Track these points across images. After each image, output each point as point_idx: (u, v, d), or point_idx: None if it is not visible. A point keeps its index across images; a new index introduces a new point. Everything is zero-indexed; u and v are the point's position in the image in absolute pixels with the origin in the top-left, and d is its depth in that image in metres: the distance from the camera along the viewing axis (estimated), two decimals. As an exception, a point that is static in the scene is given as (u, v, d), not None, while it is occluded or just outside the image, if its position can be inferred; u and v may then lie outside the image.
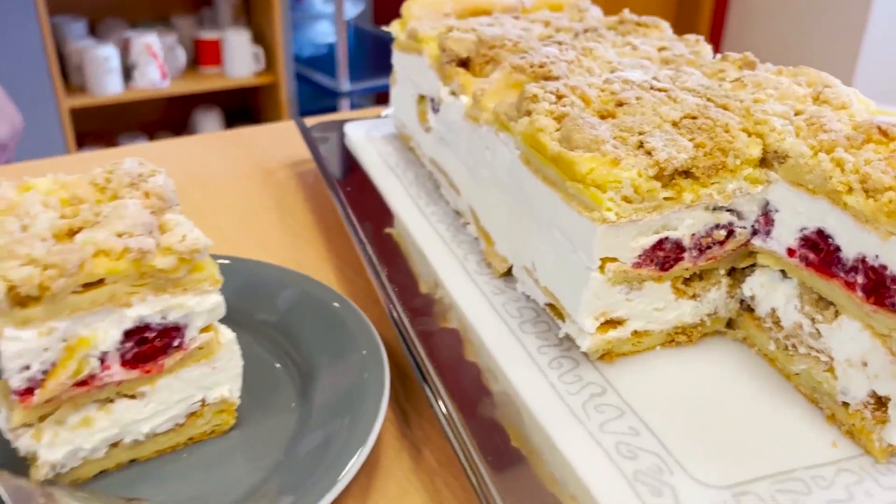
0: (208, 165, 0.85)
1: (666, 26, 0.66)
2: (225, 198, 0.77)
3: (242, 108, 2.37)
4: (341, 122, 0.82)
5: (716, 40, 2.63)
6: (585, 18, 0.69)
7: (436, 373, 0.45)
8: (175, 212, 0.43)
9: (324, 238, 0.69)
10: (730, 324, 0.49)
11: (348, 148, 0.78)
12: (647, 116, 0.45)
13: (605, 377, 0.44)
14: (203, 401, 0.43)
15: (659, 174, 0.41)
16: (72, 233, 0.39)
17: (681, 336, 0.47)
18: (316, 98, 2.39)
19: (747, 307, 0.48)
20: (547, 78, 0.53)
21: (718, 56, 0.58)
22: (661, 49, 0.60)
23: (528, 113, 0.48)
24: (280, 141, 0.91)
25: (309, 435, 0.43)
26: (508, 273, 0.54)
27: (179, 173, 0.81)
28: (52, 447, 0.39)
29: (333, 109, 2.21)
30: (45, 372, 0.37)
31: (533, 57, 0.54)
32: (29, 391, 0.37)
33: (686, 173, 0.42)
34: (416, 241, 0.59)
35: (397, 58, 0.73)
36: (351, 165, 0.75)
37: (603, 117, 0.47)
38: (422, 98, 0.70)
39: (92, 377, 0.38)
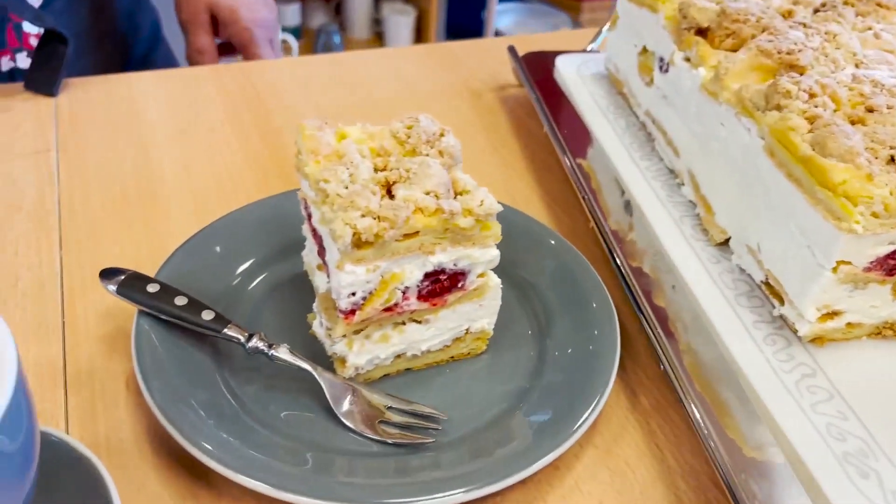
0: (416, 80, 0.91)
1: (908, 7, 0.66)
2: (434, 115, 0.84)
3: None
4: (551, 54, 0.86)
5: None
6: (822, -13, 0.69)
7: (660, 329, 0.52)
8: (459, 169, 0.51)
9: (532, 171, 0.76)
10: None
11: (558, 82, 0.82)
12: (899, 129, 0.48)
13: (816, 359, 0.50)
14: (468, 330, 0.52)
15: (908, 193, 0.45)
16: (387, 184, 0.47)
17: (888, 330, 0.52)
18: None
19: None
20: (793, 66, 0.56)
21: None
22: (905, 38, 0.61)
23: (779, 107, 0.52)
24: (484, 60, 0.96)
25: (548, 375, 0.51)
26: (724, 243, 0.59)
27: (383, 85, 0.88)
28: (359, 354, 0.49)
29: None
30: (363, 298, 0.46)
31: (780, 42, 0.57)
32: (352, 312, 0.46)
33: (932, 193, 0.46)
34: (632, 195, 0.65)
35: (623, 6, 0.76)
36: (559, 100, 0.79)
37: (853, 122, 0.50)
38: (645, 50, 0.73)
39: (395, 305, 0.47)
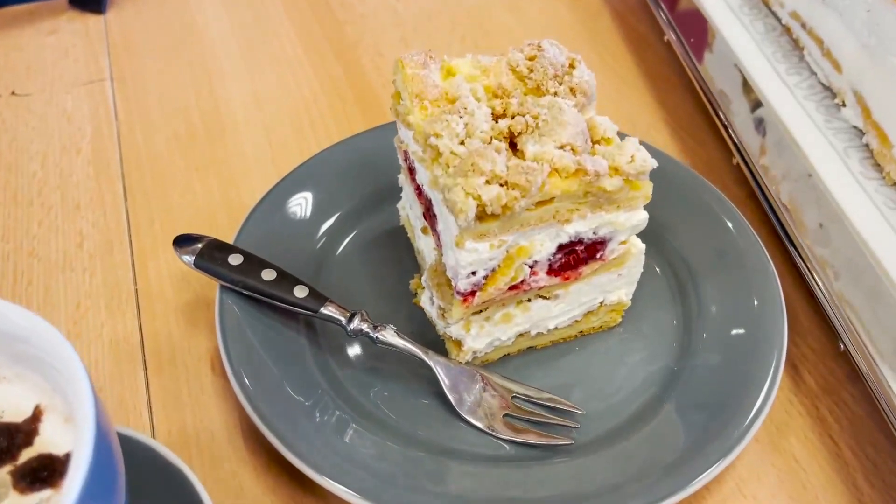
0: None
1: None
2: (529, 20, 0.73)
3: None
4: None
5: None
6: None
7: (836, 299, 0.43)
8: (593, 107, 0.41)
9: (651, 88, 0.65)
10: None
11: (673, -25, 0.70)
12: None
13: None
14: (602, 302, 0.44)
15: None
16: (511, 136, 0.38)
17: None
18: None
19: None
20: None
21: None
22: None
23: None
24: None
25: (699, 352, 0.43)
26: (904, 184, 0.49)
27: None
28: (477, 338, 0.41)
29: None
30: (485, 277, 0.38)
31: None
32: (472, 293, 0.39)
33: None
34: (783, 121, 0.54)
35: None
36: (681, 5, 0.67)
37: None
38: (794, -64, 0.60)
39: (522, 282, 0.40)
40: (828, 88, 0.56)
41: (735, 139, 0.54)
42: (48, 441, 0.29)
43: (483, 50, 0.68)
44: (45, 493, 0.28)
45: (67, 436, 0.29)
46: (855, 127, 0.53)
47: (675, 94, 0.64)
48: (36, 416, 0.30)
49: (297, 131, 0.60)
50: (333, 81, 0.65)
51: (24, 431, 0.29)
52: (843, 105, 0.54)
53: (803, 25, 0.59)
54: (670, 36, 0.63)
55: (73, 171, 0.57)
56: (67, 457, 0.28)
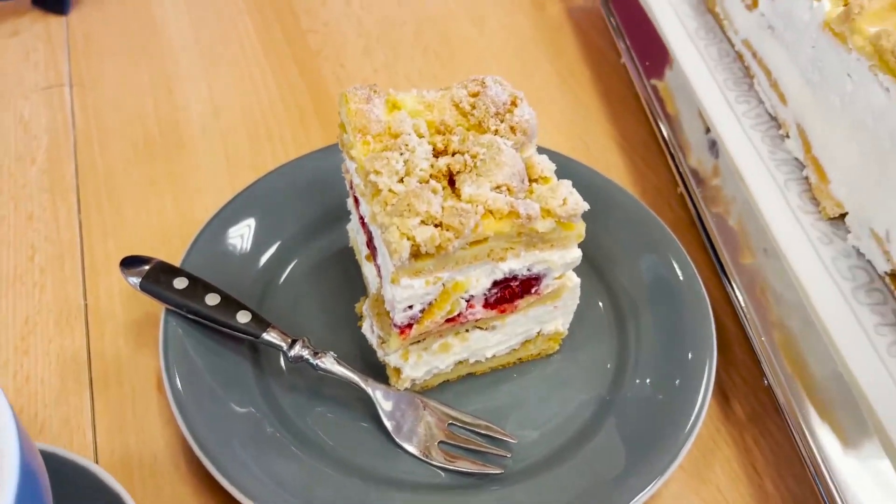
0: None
1: None
2: (492, 34, 0.73)
3: None
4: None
5: None
6: None
7: (762, 329, 0.45)
8: (534, 146, 0.42)
9: (607, 108, 0.66)
10: None
11: (636, -4, 0.71)
12: None
13: (950, 378, 0.42)
14: (539, 332, 0.45)
15: None
16: (450, 174, 0.39)
17: None
18: None
19: None
20: (951, 6, 0.45)
21: None
22: None
23: (935, 69, 0.42)
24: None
25: (632, 382, 0.44)
26: (839, 218, 0.51)
27: (430, 3, 0.77)
28: (416, 366, 0.43)
29: None
30: (422, 311, 0.39)
31: (937, -27, 0.46)
32: (408, 326, 0.40)
33: None
34: (726, 148, 0.56)
35: None
36: (638, 19, 0.68)
37: None
38: (748, -36, 0.61)
39: (458, 315, 0.41)
40: (774, 119, 0.58)
41: (680, 168, 0.55)
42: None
43: (445, 62, 0.69)
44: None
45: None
46: (797, 159, 0.55)
47: (631, 117, 0.65)
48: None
49: (254, 142, 0.60)
50: (293, 91, 0.65)
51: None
52: (787, 136, 0.56)
53: (754, 54, 0.60)
54: (626, 58, 0.64)
55: (28, 182, 0.57)
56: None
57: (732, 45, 0.64)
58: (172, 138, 0.61)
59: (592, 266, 0.49)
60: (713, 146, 0.57)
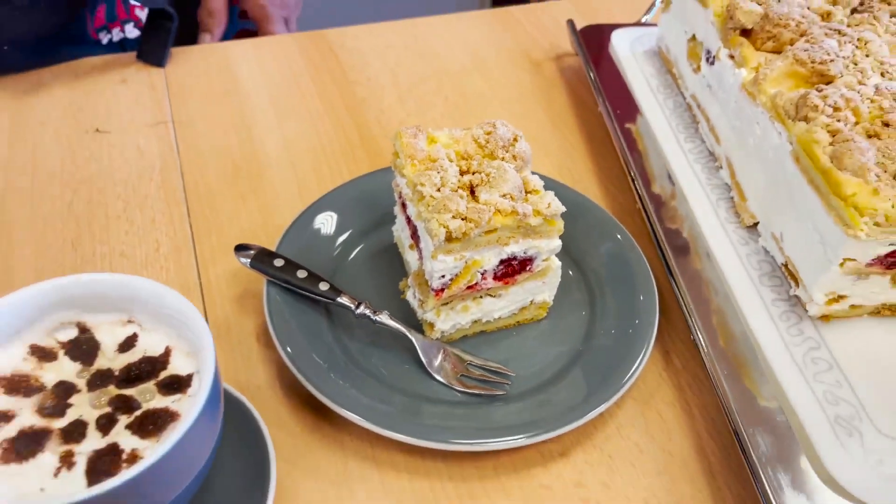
0: (481, 47, 0.99)
1: (941, 7, 0.72)
2: (498, 86, 0.92)
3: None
4: (607, 27, 0.93)
5: None
6: (864, -17, 0.75)
7: (693, 305, 0.62)
8: (529, 169, 0.61)
9: (588, 147, 0.85)
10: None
11: (612, 56, 0.90)
12: (908, 146, 0.56)
13: (822, 335, 0.60)
14: (532, 301, 0.63)
15: (907, 205, 0.54)
16: (471, 186, 0.57)
17: (886, 311, 0.62)
18: None
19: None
20: (823, 76, 0.64)
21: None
22: (932, 44, 0.67)
23: (807, 119, 0.60)
24: (543, 24, 1.03)
25: (598, 338, 0.62)
26: (753, 227, 0.69)
27: (452, 54, 0.97)
28: (444, 321, 0.60)
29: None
30: (451, 279, 0.57)
31: (815, 52, 0.64)
32: (441, 290, 0.58)
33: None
34: (676, 177, 0.74)
35: (677, -7, 0.83)
36: (614, 74, 0.87)
37: (870, 136, 0.58)
38: (694, 38, 0.80)
39: (475, 284, 0.59)
40: (711, 154, 0.76)
41: (640, 192, 0.73)
42: (176, 367, 0.47)
43: (461, 108, 0.88)
44: (177, 396, 0.46)
45: (188, 364, 0.47)
46: (726, 184, 0.73)
47: (606, 153, 0.83)
48: (167, 353, 0.48)
49: (316, 170, 0.79)
50: (344, 131, 0.84)
51: (161, 361, 0.48)
52: (721, 167, 0.74)
53: (698, 105, 0.79)
54: (602, 108, 0.83)
55: (148, 194, 0.75)
56: (189, 376, 0.47)
57: (684, 98, 0.83)
58: (253, 165, 0.79)
59: (570, 256, 0.67)
60: (670, 176, 0.76)
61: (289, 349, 0.57)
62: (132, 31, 0.96)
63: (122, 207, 0.73)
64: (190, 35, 0.99)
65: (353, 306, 0.60)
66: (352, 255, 0.68)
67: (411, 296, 0.63)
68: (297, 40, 0.98)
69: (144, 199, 0.75)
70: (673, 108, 0.82)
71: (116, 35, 0.96)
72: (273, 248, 0.64)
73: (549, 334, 0.64)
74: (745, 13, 0.70)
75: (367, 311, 0.60)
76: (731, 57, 0.72)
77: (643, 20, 0.96)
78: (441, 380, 0.59)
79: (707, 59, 0.76)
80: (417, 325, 0.63)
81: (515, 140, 0.60)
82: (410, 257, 0.64)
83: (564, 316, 0.65)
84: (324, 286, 0.61)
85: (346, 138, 0.83)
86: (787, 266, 0.63)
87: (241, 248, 0.63)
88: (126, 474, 0.39)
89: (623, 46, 0.90)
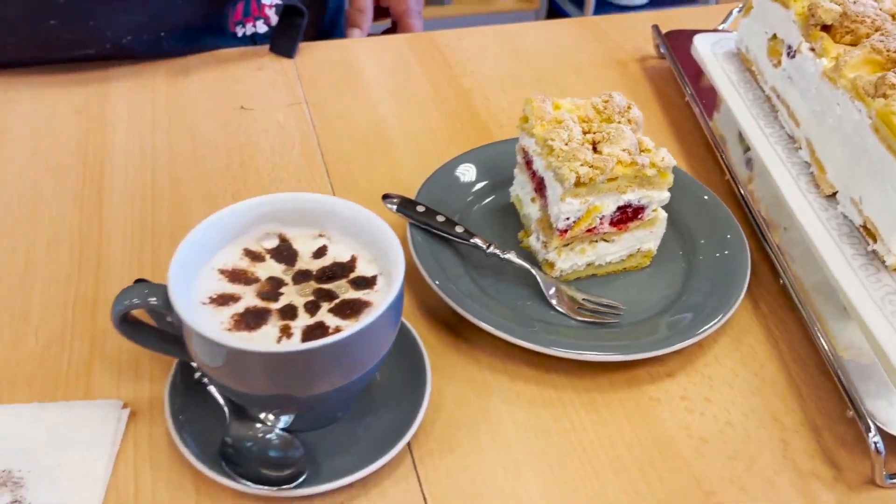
0: (571, 50, 1.10)
1: None
2: (589, 82, 1.03)
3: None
4: (688, 32, 1.04)
5: None
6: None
7: (781, 254, 0.71)
8: (641, 132, 0.70)
9: (674, 135, 0.94)
10: None
11: (694, 58, 1.00)
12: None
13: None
14: (639, 249, 0.72)
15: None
16: (593, 143, 0.67)
17: (955, 265, 0.70)
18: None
19: None
20: (898, 62, 0.73)
21: None
22: None
23: (885, 96, 0.69)
24: (627, 33, 1.14)
25: (695, 284, 0.71)
26: (831, 196, 0.77)
27: (545, 56, 1.08)
28: (564, 261, 0.70)
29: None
30: (574, 222, 0.67)
31: (889, 42, 0.74)
32: (564, 231, 0.67)
33: None
34: (759, 155, 0.83)
35: (759, 0, 0.93)
36: (695, 73, 0.97)
37: (942, 109, 0.67)
38: (775, 37, 0.90)
39: (593, 228, 0.68)
40: (791, 137, 0.85)
41: (726, 163, 0.82)
42: (361, 270, 0.57)
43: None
44: (367, 291, 0.56)
45: (372, 268, 0.57)
46: (806, 162, 0.82)
47: (689, 138, 0.93)
48: (353, 260, 0.58)
49: (434, 145, 0.90)
50: (455, 114, 0.95)
51: (349, 265, 0.58)
52: (800, 148, 0.83)
53: (778, 96, 0.88)
54: (690, 99, 0.92)
55: (291, 160, 0.86)
56: (374, 277, 0.57)
57: (763, 91, 0.92)
58: (380, 139, 0.90)
59: (673, 216, 0.77)
60: (748, 163, 0.85)
61: (436, 281, 0.67)
62: (262, 27, 1.08)
63: (271, 168, 0.85)
64: (310, 32, 1.11)
65: (484, 246, 0.70)
66: (476, 207, 0.78)
67: (534, 239, 0.72)
68: (406, 40, 1.10)
69: (289, 164, 0.86)
70: (752, 99, 0.92)
71: (249, 29, 1.08)
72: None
73: (652, 280, 0.73)
74: (825, 11, 0.80)
75: (497, 251, 0.70)
76: (812, 49, 0.81)
77: (720, 27, 1.06)
78: (560, 310, 0.68)
79: (788, 54, 0.86)
80: (538, 267, 0.72)
81: (629, 107, 0.70)
82: (531, 210, 0.74)
83: (664, 266, 0.74)
84: (459, 229, 0.71)
85: (457, 120, 0.94)
86: (866, 225, 0.72)
87: (386, 197, 0.74)
88: (336, 336, 0.49)
89: (704, 47, 1.00)
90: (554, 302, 0.69)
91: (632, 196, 0.67)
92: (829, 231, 0.74)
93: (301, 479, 0.53)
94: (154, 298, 0.53)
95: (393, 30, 1.22)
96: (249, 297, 0.55)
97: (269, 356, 0.49)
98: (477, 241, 0.70)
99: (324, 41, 1.08)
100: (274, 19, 1.06)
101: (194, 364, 0.59)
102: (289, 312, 0.54)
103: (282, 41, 1.03)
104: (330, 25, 1.26)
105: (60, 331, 0.66)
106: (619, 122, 0.69)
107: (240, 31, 1.06)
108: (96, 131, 0.88)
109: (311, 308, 0.54)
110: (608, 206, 0.67)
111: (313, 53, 1.04)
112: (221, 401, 0.58)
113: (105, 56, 0.97)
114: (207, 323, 0.51)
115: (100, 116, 0.91)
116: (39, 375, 0.62)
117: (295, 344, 0.51)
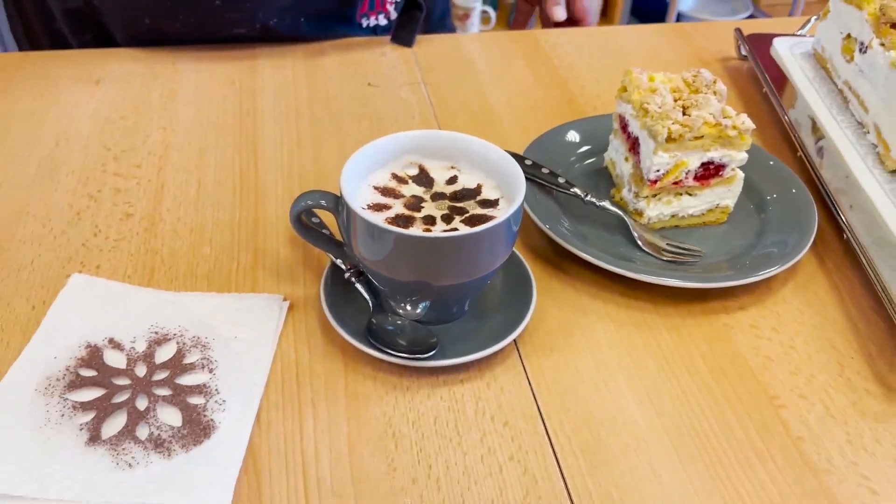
0: (659, 51, 1.22)
1: None
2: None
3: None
4: (767, 35, 1.14)
5: None
6: None
7: (846, 215, 0.81)
8: (724, 102, 0.81)
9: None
10: None
11: (773, 57, 1.10)
12: None
13: (951, 242, 0.77)
14: (717, 205, 0.83)
15: None
16: (683, 108, 0.78)
17: None
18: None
19: None
20: (961, 52, 0.82)
21: None
22: None
23: (946, 78, 0.79)
24: (709, 37, 1.25)
25: (766, 238, 0.81)
26: (895, 172, 0.86)
27: (635, 54, 1.19)
28: (652, 210, 0.81)
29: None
30: (663, 174, 0.78)
31: (954, 35, 0.83)
32: (655, 182, 0.79)
33: None
34: (831, 138, 0.93)
35: (835, 4, 1.03)
36: (774, 71, 1.08)
37: None
38: (849, 37, 1.00)
39: (679, 181, 0.79)
40: (860, 124, 0.95)
41: (799, 142, 0.92)
42: (486, 195, 0.70)
43: (647, 89, 1.09)
44: (490, 209, 0.68)
45: (494, 193, 0.70)
46: (873, 144, 0.91)
47: (767, 130, 1.03)
48: (479, 187, 0.71)
49: (536, 122, 1.02)
50: (554, 97, 1.07)
51: (475, 191, 0.70)
52: (868, 132, 0.93)
53: (850, 88, 0.98)
54: (767, 91, 1.03)
55: (412, 128, 1.00)
56: (496, 199, 0.69)
57: (836, 86, 1.02)
58: (490, 116, 1.03)
59: (748, 183, 0.87)
60: (820, 151, 0.95)
61: (544, 223, 0.79)
62: (382, 21, 1.24)
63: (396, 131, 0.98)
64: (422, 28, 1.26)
65: (582, 195, 0.82)
66: (577, 165, 0.90)
67: (626, 191, 0.84)
68: (511, 37, 1.23)
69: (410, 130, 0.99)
70: (826, 92, 1.01)
71: (372, 22, 1.23)
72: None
73: (728, 233, 0.83)
74: (895, 10, 0.90)
75: (594, 199, 0.82)
76: (882, 44, 0.91)
77: (798, 32, 1.16)
78: (648, 250, 0.79)
79: (860, 50, 0.96)
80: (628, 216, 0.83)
81: (715, 81, 0.82)
82: (624, 168, 0.85)
83: (739, 222, 0.84)
84: (561, 180, 0.83)
85: (556, 102, 1.06)
86: (924, 194, 0.81)
87: (499, 153, 0.86)
88: (469, 229, 0.62)
89: (783, 48, 1.11)
90: (641, 243, 0.80)
91: (714, 154, 0.78)
92: (892, 199, 0.83)
93: (432, 353, 0.65)
94: (325, 201, 0.67)
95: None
96: (398, 207, 0.68)
97: (419, 239, 0.62)
98: (576, 190, 0.82)
99: (437, 34, 1.22)
100: (393, 14, 1.21)
101: (344, 266, 0.72)
102: (429, 220, 0.66)
103: (401, 32, 1.18)
104: (438, 23, 1.41)
105: (229, 243, 0.80)
106: (706, 93, 0.80)
107: (364, 23, 1.22)
108: (249, 98, 1.04)
109: (447, 219, 0.67)
110: (693, 161, 0.78)
111: (429, 44, 1.19)
112: (367, 295, 0.71)
113: (253, 36, 1.14)
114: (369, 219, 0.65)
115: (251, 87, 1.06)
116: (215, 274, 0.77)
117: (437, 234, 0.63)
